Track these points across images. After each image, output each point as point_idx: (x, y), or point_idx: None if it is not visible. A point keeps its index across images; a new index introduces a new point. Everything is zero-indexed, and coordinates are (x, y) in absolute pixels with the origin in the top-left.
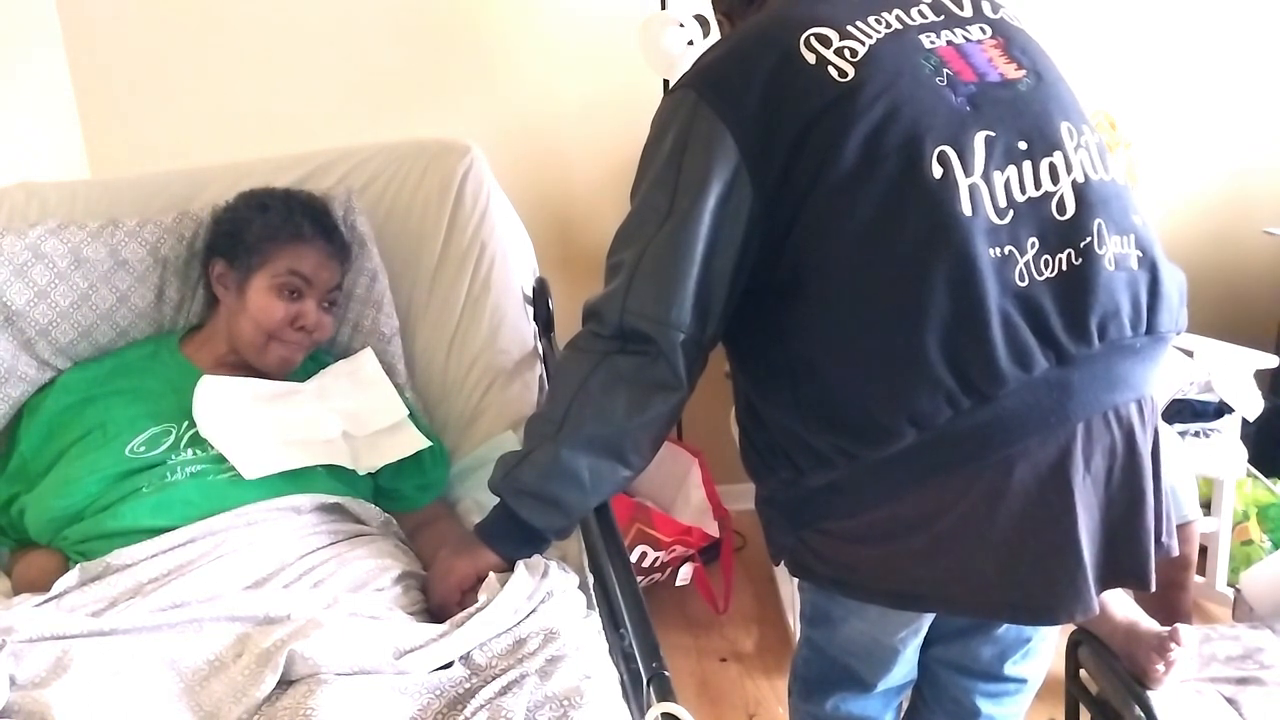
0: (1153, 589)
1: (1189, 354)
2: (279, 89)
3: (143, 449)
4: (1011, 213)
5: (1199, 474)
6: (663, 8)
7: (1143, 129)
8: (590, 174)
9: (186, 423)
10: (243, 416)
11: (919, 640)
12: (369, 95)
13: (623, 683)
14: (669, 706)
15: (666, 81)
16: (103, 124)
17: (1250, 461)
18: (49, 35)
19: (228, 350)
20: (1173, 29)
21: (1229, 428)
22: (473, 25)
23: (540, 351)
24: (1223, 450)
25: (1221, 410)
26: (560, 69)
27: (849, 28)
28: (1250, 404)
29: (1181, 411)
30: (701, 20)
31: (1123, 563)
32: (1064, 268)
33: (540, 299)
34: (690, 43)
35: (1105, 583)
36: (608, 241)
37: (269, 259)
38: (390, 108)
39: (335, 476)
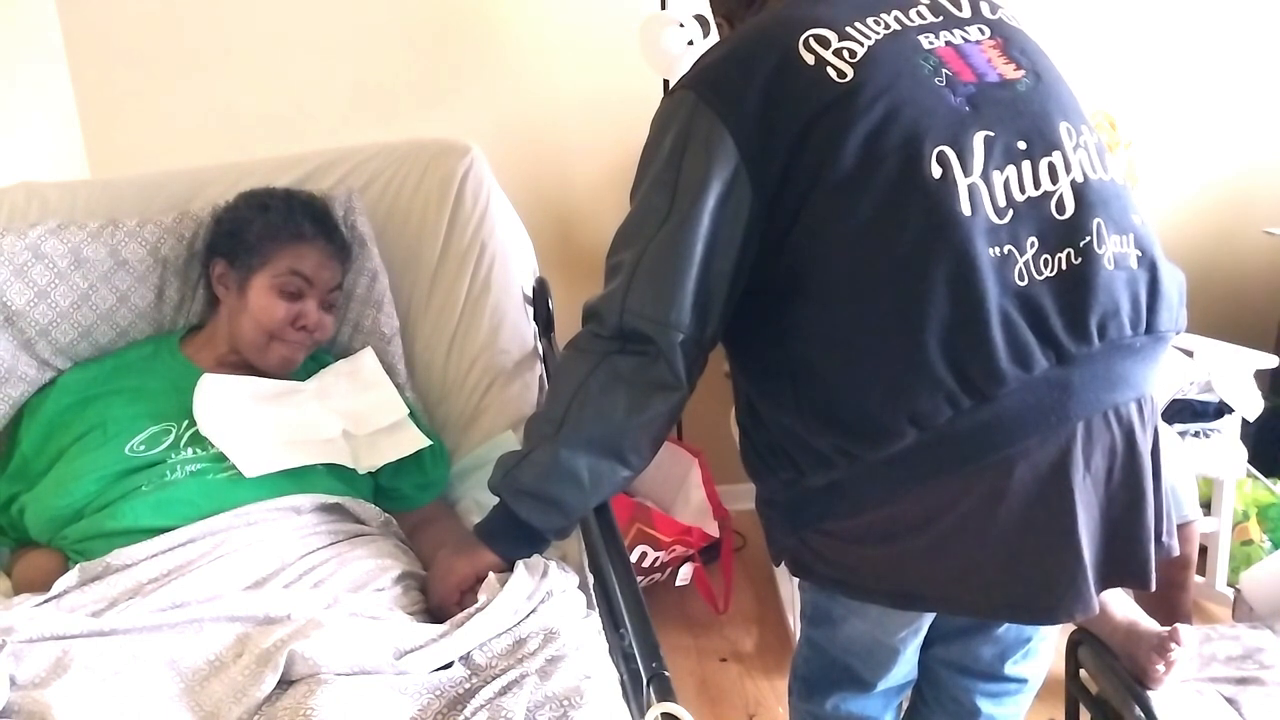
0: (1153, 588)
1: (1189, 354)
2: (279, 89)
3: (142, 447)
4: (1011, 212)
5: (1199, 474)
6: (663, 8)
7: (1143, 129)
8: (590, 174)
9: (186, 421)
10: (243, 415)
11: (919, 640)
12: (369, 95)
13: (623, 683)
14: (669, 706)
15: (666, 81)
16: (103, 124)
17: (1250, 461)
18: (49, 36)
19: (228, 350)
20: (1173, 29)
21: (1229, 428)
22: (473, 25)
23: (540, 351)
24: (1223, 450)
25: (1221, 410)
26: (560, 69)
27: (848, 29)
28: (1250, 404)
29: (1181, 411)
30: (701, 20)
31: (1123, 562)
32: (1063, 267)
33: (540, 299)
34: (690, 43)
35: (1106, 582)
36: (608, 241)
37: (270, 259)
38: (390, 107)
39: (335, 476)
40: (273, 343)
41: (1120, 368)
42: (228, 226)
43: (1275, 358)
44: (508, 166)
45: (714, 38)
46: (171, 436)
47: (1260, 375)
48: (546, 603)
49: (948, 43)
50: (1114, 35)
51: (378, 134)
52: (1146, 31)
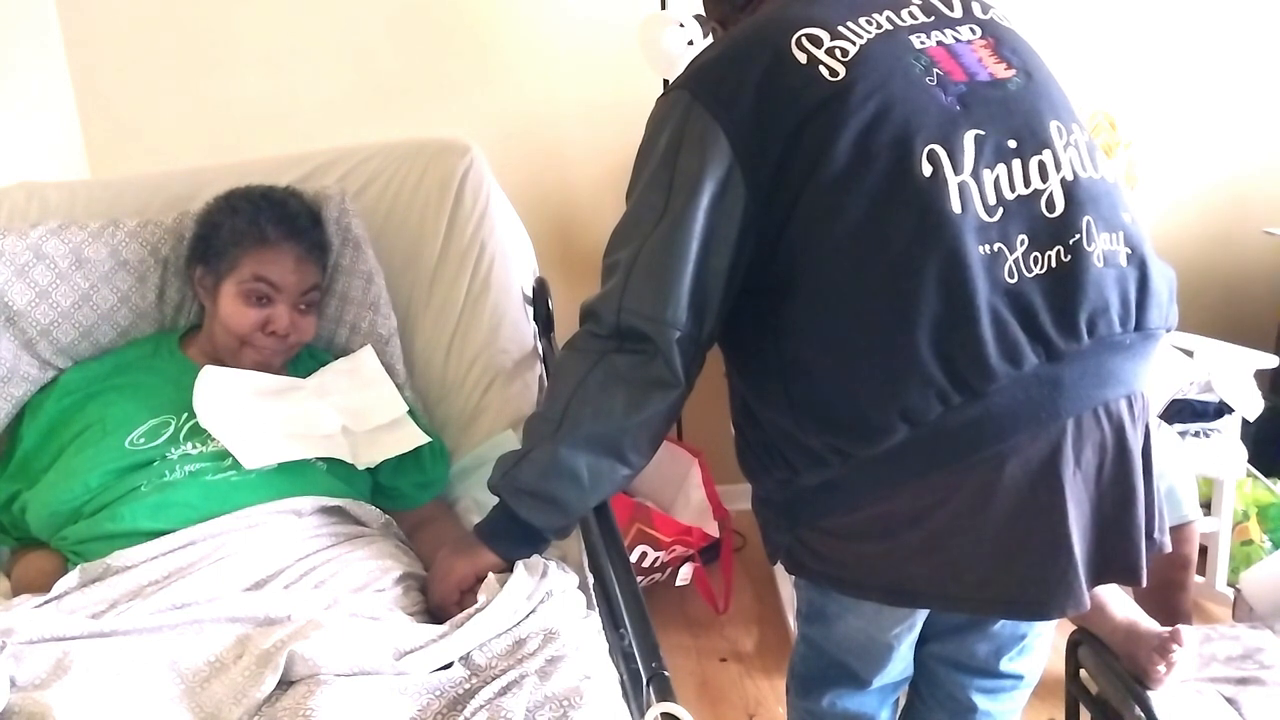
0: (1144, 584)
1: (1189, 354)
2: (279, 89)
3: (142, 440)
4: (1001, 210)
5: (1199, 474)
6: (663, 8)
7: (1143, 129)
8: (590, 174)
9: (186, 414)
10: (242, 408)
11: (914, 636)
12: (369, 95)
13: (622, 683)
14: (669, 706)
15: (666, 81)
16: (103, 124)
17: (1250, 461)
18: (49, 35)
19: (217, 351)
20: (1173, 29)
21: (1229, 428)
22: (473, 25)
23: (540, 351)
24: (1223, 450)
25: (1221, 410)
26: (560, 69)
27: (840, 28)
28: (1250, 404)
29: (1181, 411)
30: (701, 20)
31: (1114, 558)
32: (1053, 264)
33: (540, 299)
34: (690, 43)
35: (1097, 578)
36: (607, 241)
37: (236, 265)
38: (390, 108)
39: (335, 477)
40: (244, 348)
41: (1110, 365)
42: (202, 231)
43: (1275, 358)
44: (508, 166)
45: (713, 38)
46: (171, 429)
47: (1260, 375)
48: (546, 603)
49: (939, 42)
50: (1114, 35)
51: (378, 134)
52: (1146, 31)
